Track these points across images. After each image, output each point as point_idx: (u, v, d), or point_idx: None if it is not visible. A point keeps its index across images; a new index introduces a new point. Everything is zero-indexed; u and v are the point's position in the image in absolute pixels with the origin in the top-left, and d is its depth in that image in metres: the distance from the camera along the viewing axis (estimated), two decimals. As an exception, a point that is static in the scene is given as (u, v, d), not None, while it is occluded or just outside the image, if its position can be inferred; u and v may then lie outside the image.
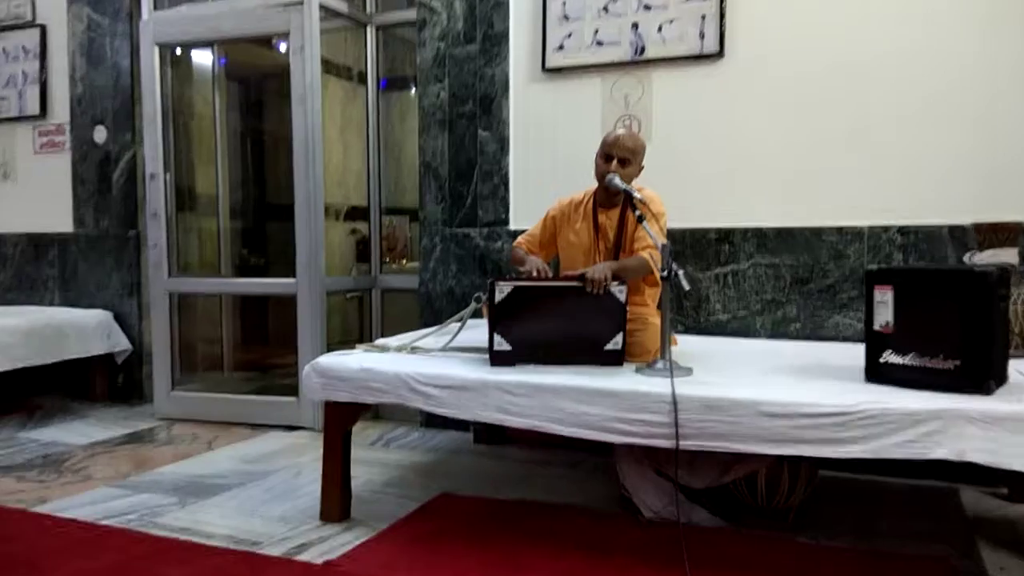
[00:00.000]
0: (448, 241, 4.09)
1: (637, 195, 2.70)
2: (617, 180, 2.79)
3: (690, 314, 3.58)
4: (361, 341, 3.10)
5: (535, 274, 2.75)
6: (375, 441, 3.90)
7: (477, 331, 3.13)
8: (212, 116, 5.08)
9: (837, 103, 3.36)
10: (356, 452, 3.40)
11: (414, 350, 2.90)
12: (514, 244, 3.20)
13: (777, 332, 3.44)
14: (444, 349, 2.87)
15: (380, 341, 3.09)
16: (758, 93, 3.50)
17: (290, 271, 4.22)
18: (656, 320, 2.68)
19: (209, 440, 3.93)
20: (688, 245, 3.59)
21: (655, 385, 2.30)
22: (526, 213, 3.89)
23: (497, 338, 2.57)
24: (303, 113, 4.13)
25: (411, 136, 4.32)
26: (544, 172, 3.91)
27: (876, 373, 2.30)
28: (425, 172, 4.16)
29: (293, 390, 4.16)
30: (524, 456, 3.57)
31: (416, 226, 4.31)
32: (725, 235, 3.55)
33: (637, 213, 2.65)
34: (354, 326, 4.95)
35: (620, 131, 2.98)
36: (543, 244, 3.15)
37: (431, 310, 4.10)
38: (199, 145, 5.08)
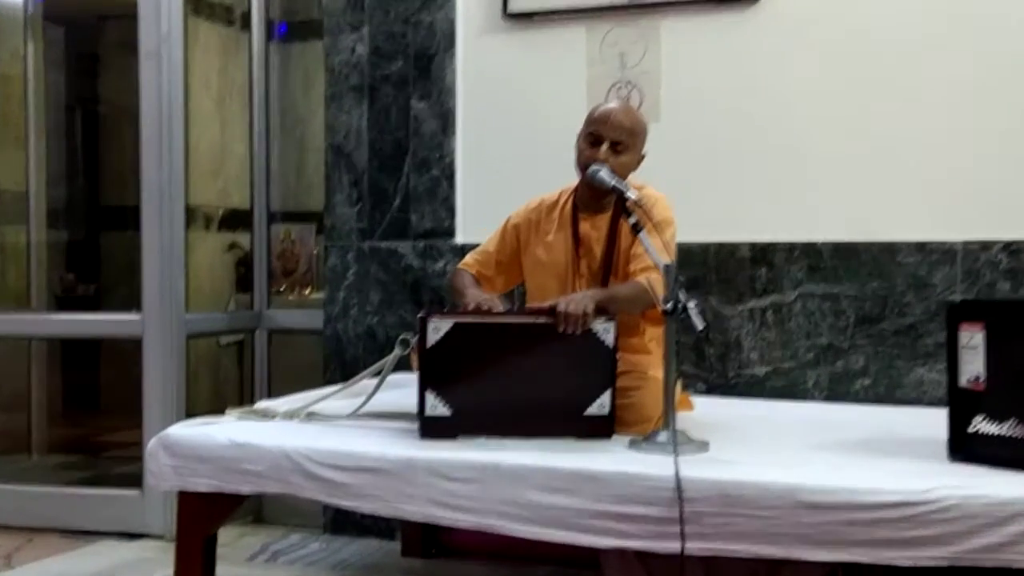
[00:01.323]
0: (367, 260, 4.16)
1: (633, 195, 2.79)
2: (605, 173, 2.87)
3: (713, 366, 3.67)
4: (236, 406, 3.11)
5: (472, 306, 2.82)
6: (256, 554, 3.90)
7: (403, 390, 3.18)
8: (22, 77, 5.11)
9: (929, 68, 3.51)
10: (227, 570, 3.40)
11: (311, 417, 2.93)
12: (459, 266, 3.27)
13: (837, 393, 3.54)
14: (355, 415, 2.91)
15: (263, 404, 3.11)
16: (809, 53, 3.64)
17: (134, 304, 4.25)
18: (659, 374, 2.76)
19: (7, 554, 3.91)
20: (710, 267, 3.70)
21: (655, 465, 2.35)
22: (480, 220, 3.97)
23: (431, 399, 2.62)
24: (157, 74, 4.19)
25: (320, 108, 4.40)
26: (506, 161, 4.01)
27: (962, 447, 2.38)
28: (334, 160, 4.24)
29: (136, 480, 4.14)
30: (475, 574, 3.60)
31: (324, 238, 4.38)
32: (762, 253, 3.66)
33: (633, 220, 2.73)
34: (230, 384, 4.95)
35: (613, 104, 3.07)
36: (501, 266, 3.22)
37: (340, 360, 4.14)
38: (1, 120, 5.11)
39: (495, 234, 3.25)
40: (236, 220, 5.18)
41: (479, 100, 4.05)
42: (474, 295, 2.95)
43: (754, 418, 3.11)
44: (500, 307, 2.83)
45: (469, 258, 3.26)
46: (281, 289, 5.00)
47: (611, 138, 2.93)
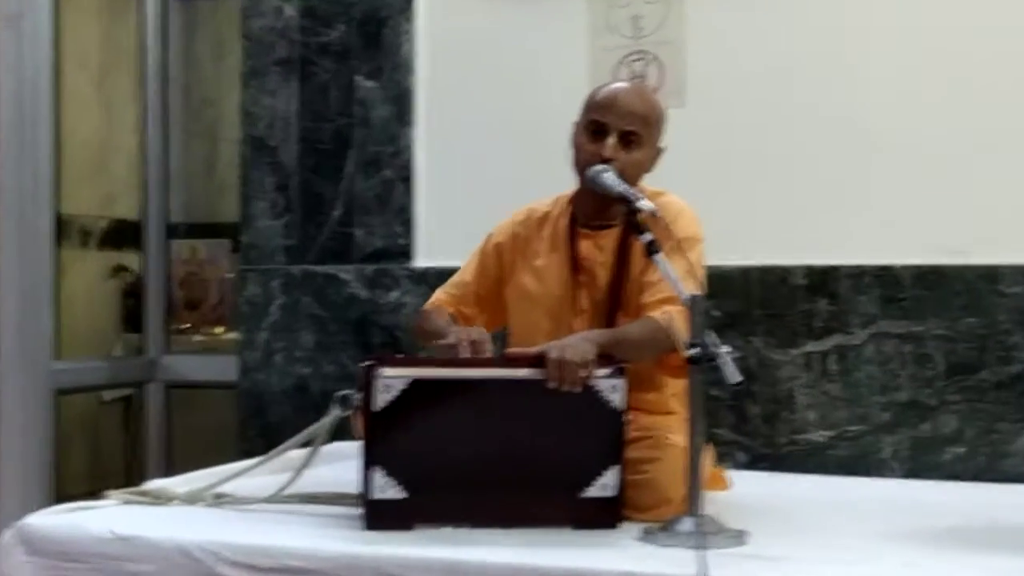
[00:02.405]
0: (297, 289, 4.18)
1: (648, 205, 2.81)
2: (611, 176, 2.90)
3: (757, 430, 3.70)
4: (121, 485, 3.10)
5: (463, 351, 2.82)
6: None
7: (342, 464, 3.18)
8: None
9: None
10: None
11: (221, 500, 2.93)
12: (425, 306, 3.27)
13: (921, 465, 3.56)
14: (279, 498, 2.91)
15: (156, 484, 3.11)
16: (888, 19, 3.68)
17: (-18, 348, 4.25)
18: (683, 440, 2.77)
19: None
20: (753, 299, 3.73)
21: (676, 564, 2.34)
22: (447, 237, 4.01)
23: (379, 477, 2.62)
24: (16, 44, 4.19)
25: (236, 87, 4.43)
26: (481, 159, 4.04)
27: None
28: (253, 156, 4.26)
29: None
30: None
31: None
32: (822, 280, 3.69)
33: (647, 238, 2.75)
34: (113, 456, 4.93)
35: (621, 84, 3.09)
36: (484, 301, 3.22)
37: (260, 424, 4.15)
38: None
39: (472, 258, 3.26)
40: (124, 235, 5.17)
41: (445, 78, 4.09)
42: (459, 330, 2.94)
43: (810, 500, 3.12)
44: (489, 345, 2.85)
45: (441, 293, 3.25)
46: (184, 328, 5.00)
47: (619, 128, 2.95)
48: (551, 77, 3.92)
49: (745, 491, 3.16)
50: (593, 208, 3.05)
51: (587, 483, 2.67)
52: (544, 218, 3.17)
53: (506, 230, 3.21)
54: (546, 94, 3.90)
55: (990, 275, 3.55)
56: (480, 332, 2.88)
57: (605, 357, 2.69)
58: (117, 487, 3.07)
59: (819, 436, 3.65)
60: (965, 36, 3.63)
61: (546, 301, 3.09)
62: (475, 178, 4.03)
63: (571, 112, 3.07)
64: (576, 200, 3.12)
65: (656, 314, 2.85)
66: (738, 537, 2.58)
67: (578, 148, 3.01)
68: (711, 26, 3.83)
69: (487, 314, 3.22)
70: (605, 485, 2.67)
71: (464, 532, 2.62)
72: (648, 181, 3.04)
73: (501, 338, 3.34)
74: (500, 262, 3.20)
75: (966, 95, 3.63)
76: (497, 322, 3.25)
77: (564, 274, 3.08)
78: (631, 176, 2.93)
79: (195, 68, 5.06)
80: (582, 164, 2.98)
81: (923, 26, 3.67)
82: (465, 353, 2.78)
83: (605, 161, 2.92)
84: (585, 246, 3.08)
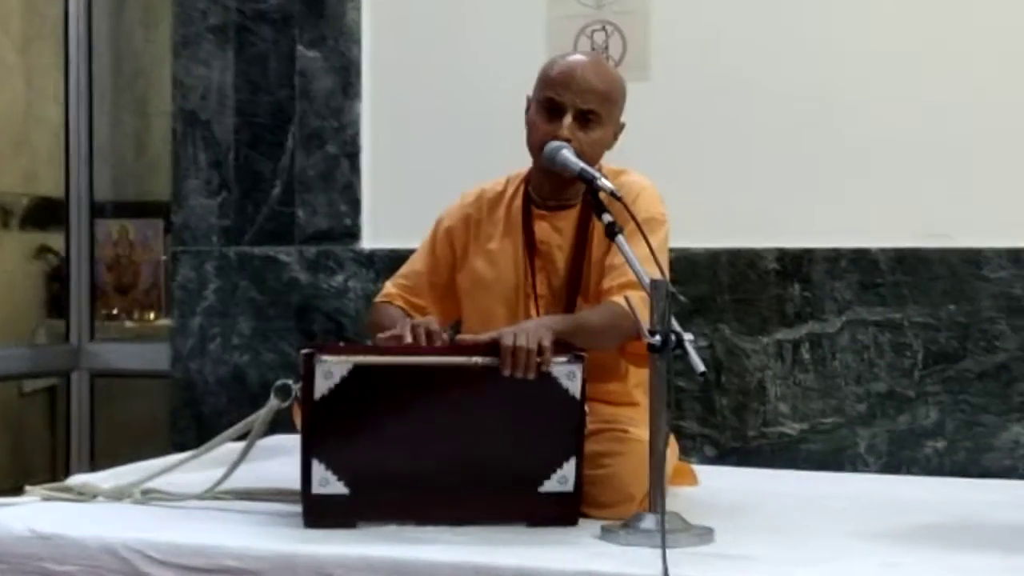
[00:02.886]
0: (233, 272, 4.16)
1: (608, 185, 2.80)
2: (569, 153, 2.89)
3: (726, 422, 3.71)
4: (44, 480, 3.08)
5: (410, 338, 2.80)
6: None
7: (282, 458, 3.17)
8: None
9: None
10: None
11: (149, 496, 2.91)
12: (379, 298, 3.26)
13: (899, 459, 3.59)
14: (212, 494, 2.90)
15: (79, 479, 3.10)
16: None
17: None
18: (646, 434, 2.77)
19: None
20: (722, 284, 3.74)
21: (638, 563, 2.34)
22: (396, 217, 4.01)
23: (319, 471, 2.61)
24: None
25: (167, 58, 4.39)
26: (432, 134, 4.04)
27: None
28: (186, 130, 4.23)
29: None
30: None
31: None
32: (795, 264, 3.70)
33: (608, 219, 2.75)
34: (34, 449, 4.90)
35: (577, 56, 3.07)
36: (437, 290, 3.20)
37: (194, 415, 4.14)
38: None
39: (422, 246, 3.25)
40: (47, 214, 5.14)
41: (393, 48, 4.08)
42: (408, 322, 2.92)
43: (782, 495, 3.14)
44: (442, 334, 2.84)
45: (391, 285, 3.25)
46: (113, 313, 4.97)
47: (576, 106, 2.94)
48: (506, 47, 3.92)
49: (712, 486, 3.17)
50: (550, 188, 3.04)
51: (544, 477, 2.67)
52: (497, 199, 3.17)
53: (456, 213, 3.21)
54: (501, 66, 3.90)
55: (973, 259, 3.57)
56: (430, 322, 2.87)
57: (563, 344, 2.68)
58: (39, 483, 3.04)
59: (791, 429, 3.67)
60: (948, 7, 3.65)
61: (500, 287, 3.09)
62: (425, 154, 4.02)
63: (527, 85, 3.07)
64: (531, 179, 3.11)
65: (618, 298, 2.85)
66: (704, 535, 2.58)
67: (532, 127, 3.00)
68: (677, -6, 3.84)
69: (441, 304, 3.21)
70: (563, 478, 2.67)
71: (411, 530, 2.62)
72: (609, 159, 3.04)
73: (455, 329, 3.34)
74: (452, 247, 3.19)
75: (949, 68, 3.65)
76: (453, 313, 3.25)
77: (519, 258, 3.08)
78: (590, 156, 2.92)
79: (124, 36, 5.02)
80: (536, 144, 2.97)
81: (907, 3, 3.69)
82: (409, 338, 2.76)
83: (565, 140, 2.91)
84: (541, 228, 3.07)
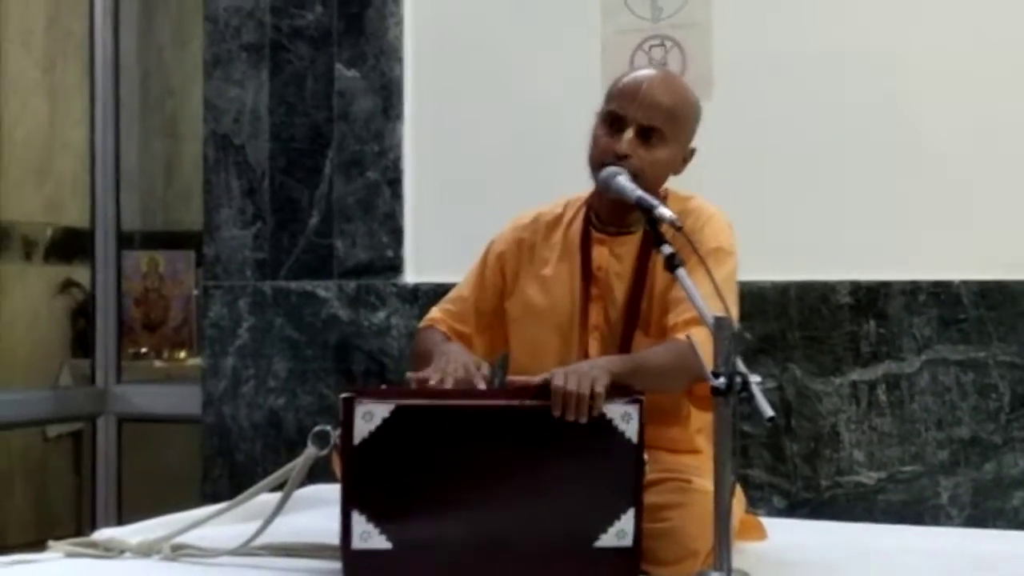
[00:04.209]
0: (268, 309, 4.18)
1: (667, 213, 2.79)
2: (623, 179, 2.89)
3: (798, 470, 3.69)
4: (68, 533, 3.10)
5: (449, 381, 2.80)
6: None
7: (320, 510, 3.17)
8: None
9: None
10: None
11: (179, 552, 2.92)
12: (422, 323, 3.26)
13: (984, 512, 3.55)
14: (246, 549, 2.90)
15: (106, 533, 3.10)
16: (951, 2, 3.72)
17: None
18: (711, 483, 2.76)
19: None
20: (791, 320, 3.72)
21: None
22: (442, 248, 4.02)
23: (360, 524, 2.60)
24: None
25: (198, 78, 4.43)
26: (480, 160, 4.05)
27: None
28: (218, 156, 4.26)
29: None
30: None
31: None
32: (871, 298, 3.68)
33: (667, 251, 2.74)
34: (59, 499, 4.91)
35: (648, 71, 3.07)
36: (484, 318, 3.20)
37: (227, 463, 4.15)
38: None
39: (473, 270, 3.25)
40: (72, 246, 5.18)
41: (437, 66, 4.11)
42: (451, 352, 2.91)
43: (857, 551, 3.11)
44: (486, 372, 2.84)
45: (437, 311, 3.25)
46: (141, 351, 5.00)
47: (639, 122, 2.93)
48: (558, 65, 3.93)
49: (783, 541, 3.14)
50: (610, 211, 3.04)
51: (600, 531, 2.66)
52: (555, 222, 3.16)
53: (509, 237, 3.20)
54: (553, 84, 3.91)
55: (1063, 292, 3.55)
56: (469, 366, 2.85)
57: (620, 388, 2.67)
58: (63, 535, 3.06)
59: (867, 478, 3.64)
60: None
61: (553, 316, 3.08)
62: (472, 180, 4.04)
63: (580, 105, 3.07)
64: (592, 201, 3.11)
65: (682, 336, 2.84)
66: (775, 596, 2.58)
67: (593, 141, 2.99)
68: (741, 6, 3.85)
69: (487, 334, 3.21)
70: (621, 532, 2.66)
71: (459, 590, 2.62)
72: (673, 184, 3.03)
73: (503, 363, 3.34)
74: (502, 274, 3.19)
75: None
76: (499, 344, 3.24)
77: (575, 285, 3.07)
78: (651, 177, 2.91)
79: (154, 54, 5.07)
80: (595, 159, 2.97)
81: (986, 16, 3.68)
82: (450, 381, 2.77)
83: (620, 157, 2.91)
84: (600, 253, 3.06)
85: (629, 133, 2.93)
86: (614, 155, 2.91)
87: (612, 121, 2.96)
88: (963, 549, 3.16)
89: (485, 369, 2.86)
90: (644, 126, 2.93)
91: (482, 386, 2.80)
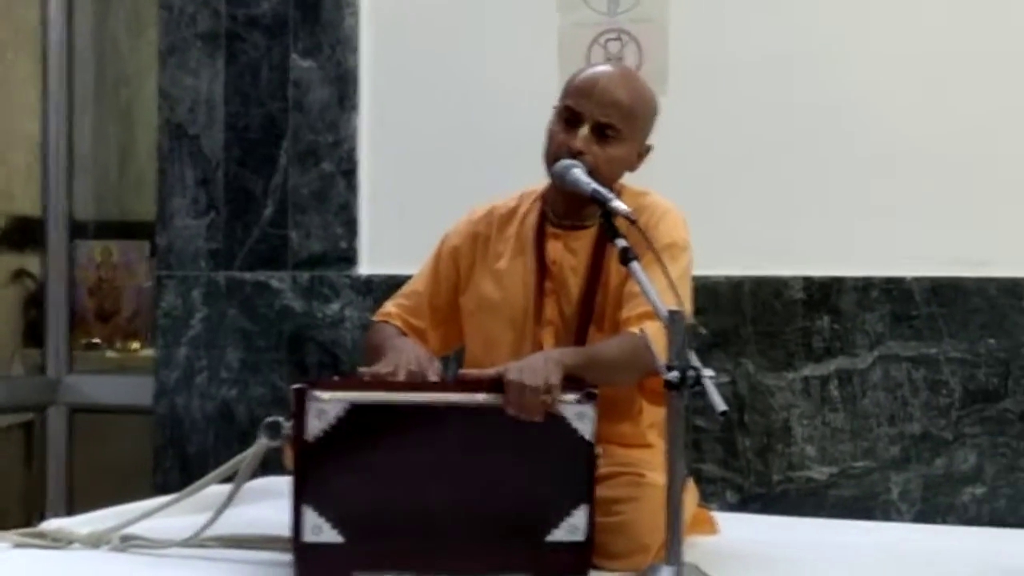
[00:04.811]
0: (222, 300, 4.16)
1: (622, 207, 2.77)
2: (579, 172, 2.88)
3: (750, 465, 3.69)
4: (17, 524, 3.06)
5: (402, 374, 2.80)
6: None
7: (271, 502, 3.16)
8: None
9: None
10: None
11: (129, 543, 2.90)
12: (376, 317, 3.25)
13: (934, 507, 3.57)
14: (196, 541, 2.88)
15: (54, 524, 3.09)
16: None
17: None
18: (663, 478, 2.75)
19: None
20: (745, 315, 3.73)
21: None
22: (397, 240, 4.01)
23: (311, 518, 2.60)
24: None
25: (154, 67, 4.39)
26: (437, 151, 4.03)
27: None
28: (172, 145, 4.24)
29: None
30: None
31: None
32: (823, 293, 3.69)
33: (621, 244, 2.73)
34: (8, 491, 4.86)
35: (605, 67, 3.08)
36: (438, 313, 3.20)
37: (178, 454, 4.12)
38: None
39: (427, 264, 3.23)
40: (24, 235, 5.13)
41: (394, 56, 4.09)
42: (403, 347, 2.91)
43: (808, 545, 3.12)
44: (436, 367, 2.84)
45: (391, 305, 3.24)
46: (93, 342, 4.96)
47: (595, 118, 2.93)
48: (515, 57, 3.93)
49: (734, 536, 3.15)
50: (565, 205, 3.03)
51: (553, 525, 2.65)
52: (509, 216, 3.15)
53: (463, 230, 3.19)
54: (510, 76, 3.91)
55: (1014, 289, 3.57)
56: (422, 360, 2.86)
57: (574, 380, 2.67)
58: (12, 527, 3.03)
59: (819, 473, 3.65)
60: (985, 20, 3.65)
61: (507, 310, 3.07)
62: (428, 172, 4.02)
63: (537, 98, 3.08)
64: (546, 198, 3.10)
65: (635, 330, 2.84)
66: (726, 590, 2.57)
67: (549, 136, 2.99)
68: (697, 2, 3.85)
69: (441, 328, 3.21)
70: (574, 527, 2.65)
71: (409, 582, 2.60)
72: (628, 179, 3.02)
73: (457, 356, 3.32)
74: (456, 268, 3.18)
75: (988, 84, 3.65)
76: (454, 338, 3.25)
77: (529, 279, 3.06)
78: (606, 174, 2.91)
79: (108, 42, 5.03)
80: (550, 155, 2.97)
81: (943, 13, 3.70)
82: (402, 374, 2.77)
83: (575, 154, 2.90)
84: (555, 248, 3.06)
85: (584, 130, 2.93)
86: (569, 152, 2.91)
87: (568, 117, 2.96)
88: (913, 544, 3.18)
89: (436, 364, 2.86)
90: (600, 123, 2.93)
91: (434, 379, 2.79)
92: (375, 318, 3.24)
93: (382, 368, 2.81)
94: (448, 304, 3.19)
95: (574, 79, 3.01)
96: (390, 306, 3.23)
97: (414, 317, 3.18)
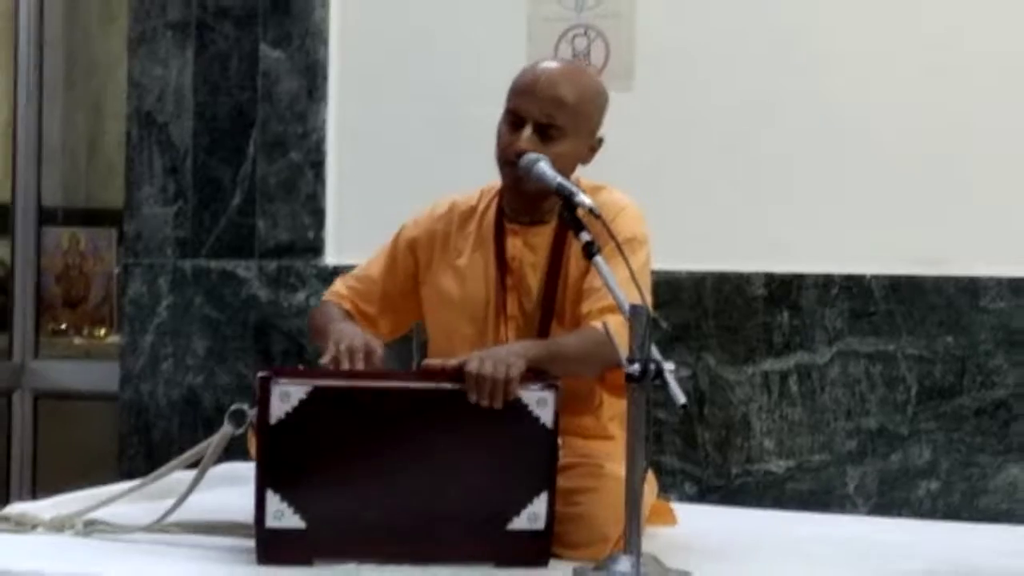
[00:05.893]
0: (188, 287, 4.15)
1: (587, 201, 2.80)
2: (545, 166, 2.86)
3: (709, 457, 3.71)
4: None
5: (346, 360, 2.78)
6: None
7: (235, 488, 3.16)
8: None
9: None
10: None
11: (92, 528, 2.89)
12: (325, 296, 3.25)
13: (890, 500, 3.59)
14: (159, 526, 2.88)
15: (18, 508, 3.07)
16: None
17: None
18: (623, 469, 2.77)
19: None
20: (706, 310, 3.74)
21: (611, 609, 2.37)
22: (363, 230, 3.95)
23: (274, 503, 2.59)
24: None
25: (123, 53, 4.38)
26: (403, 142, 4.04)
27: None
28: (140, 134, 4.23)
29: None
30: None
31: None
32: (784, 290, 3.72)
33: (585, 238, 2.75)
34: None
35: (546, 64, 3.07)
36: (389, 300, 3.20)
37: (144, 440, 4.12)
38: None
39: (381, 251, 3.23)
40: (-7, 221, 5.12)
41: (363, 50, 4.09)
42: (344, 331, 2.91)
43: (765, 537, 3.14)
44: (379, 352, 2.81)
45: (340, 284, 3.23)
46: (60, 328, 4.95)
47: (536, 118, 2.93)
48: (484, 51, 3.93)
49: (692, 527, 3.16)
50: (521, 202, 3.03)
51: (513, 513, 2.66)
52: (469, 212, 3.15)
53: (423, 224, 3.19)
54: (478, 70, 3.90)
55: (971, 288, 3.59)
56: (365, 342, 2.83)
57: (536, 373, 2.68)
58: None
59: (777, 466, 3.68)
60: (947, 24, 3.67)
61: (468, 306, 3.08)
62: (395, 164, 4.03)
63: (505, 92, 3.06)
64: (503, 195, 3.11)
65: (596, 324, 2.85)
66: (683, 580, 2.59)
67: (497, 138, 3.00)
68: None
69: (391, 316, 3.21)
70: (534, 515, 2.66)
71: (371, 569, 2.60)
72: (586, 174, 3.03)
73: (419, 348, 3.33)
74: (414, 260, 3.17)
75: (949, 89, 3.67)
76: (402, 326, 3.27)
77: (490, 276, 3.06)
78: (558, 171, 2.88)
79: (79, 29, 5.01)
80: (498, 157, 2.99)
81: (906, 10, 3.71)
82: (345, 361, 2.75)
83: (519, 155, 2.90)
84: (514, 244, 3.06)
85: (527, 131, 2.92)
86: (515, 153, 2.91)
87: (512, 120, 2.96)
88: (868, 538, 3.20)
89: (380, 350, 2.83)
90: (541, 123, 2.93)
91: (378, 364, 2.78)
92: (325, 297, 3.24)
93: (333, 350, 2.78)
94: (400, 293, 3.19)
95: (517, 79, 3.02)
96: (341, 287, 3.21)
97: (364, 302, 3.18)
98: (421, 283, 3.17)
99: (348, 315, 3.13)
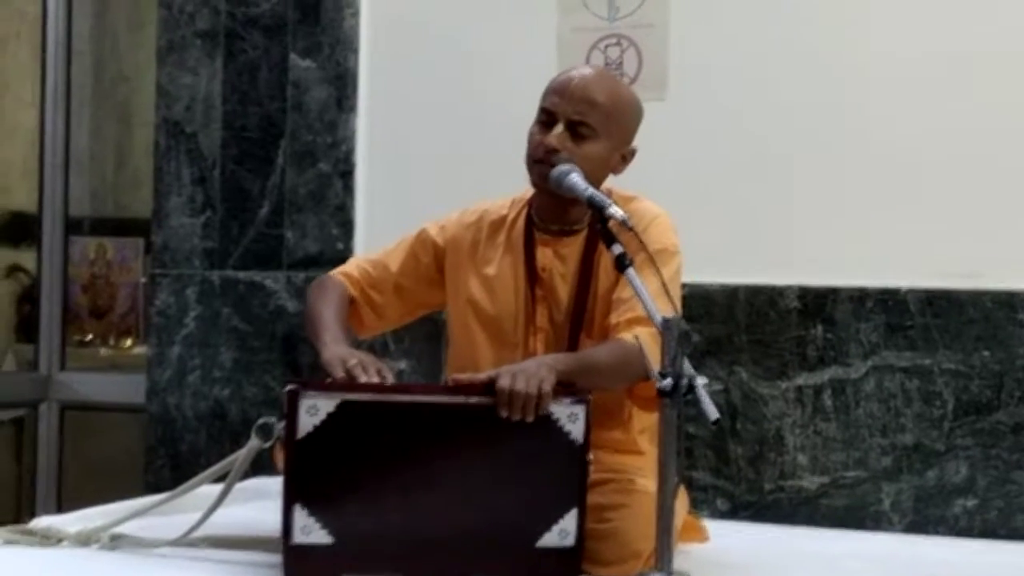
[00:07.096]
0: (216, 299, 4.16)
1: (618, 212, 2.79)
2: (576, 177, 2.86)
3: (742, 473, 3.70)
4: (6, 522, 3.06)
5: (362, 373, 2.70)
6: None
7: (261, 503, 3.16)
8: None
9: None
10: None
11: (118, 542, 2.90)
12: (335, 271, 3.20)
13: (926, 518, 3.57)
14: (185, 541, 2.88)
15: (44, 521, 3.08)
16: (904, 8, 3.72)
17: None
18: (654, 485, 2.75)
19: None
20: (739, 323, 3.73)
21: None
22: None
23: (301, 518, 2.59)
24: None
25: (152, 62, 4.40)
26: (434, 153, 4.04)
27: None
28: (169, 143, 4.23)
29: None
30: None
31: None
32: (818, 303, 3.70)
33: (618, 250, 2.74)
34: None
35: (581, 68, 3.07)
36: (402, 292, 3.19)
37: (170, 453, 4.12)
38: None
39: (402, 244, 3.20)
40: (19, 230, 5.14)
41: (394, 59, 4.10)
42: (352, 354, 2.87)
43: (798, 555, 3.13)
44: (389, 375, 2.78)
45: (353, 265, 3.22)
46: (86, 339, 4.96)
47: (567, 115, 2.94)
48: (514, 60, 3.93)
49: (724, 544, 3.15)
50: (552, 210, 3.04)
51: (543, 530, 2.66)
52: (499, 222, 3.15)
53: (452, 229, 3.18)
54: (508, 80, 3.90)
55: (1008, 301, 3.57)
56: (373, 360, 2.80)
57: (566, 386, 2.67)
58: (1, 523, 3.03)
59: (810, 482, 3.66)
60: (981, 35, 3.66)
61: (498, 317, 3.08)
62: (425, 174, 4.03)
63: (535, 101, 3.06)
64: (533, 204, 3.10)
65: (627, 335, 2.84)
66: (716, 600, 2.58)
67: (528, 139, 3.00)
68: (699, 8, 3.85)
69: (399, 305, 3.21)
70: (564, 532, 2.65)
71: (399, 586, 2.61)
72: (618, 184, 3.03)
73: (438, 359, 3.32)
74: (438, 265, 3.17)
75: (985, 100, 3.65)
76: (408, 315, 3.27)
77: (520, 286, 3.06)
78: (587, 174, 2.88)
79: (107, 38, 5.03)
80: (528, 156, 2.99)
81: (944, 23, 3.69)
82: (363, 378, 2.72)
83: (550, 151, 2.91)
84: (544, 254, 3.06)
85: (559, 128, 2.94)
86: (545, 150, 2.92)
87: (544, 119, 2.97)
88: (903, 555, 3.20)
89: (389, 376, 2.79)
90: (573, 121, 2.94)
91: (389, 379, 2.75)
92: (333, 272, 3.19)
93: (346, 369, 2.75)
94: (414, 287, 3.19)
95: (551, 82, 3.03)
96: (352, 268, 3.20)
97: (374, 290, 3.16)
98: (450, 294, 3.16)
99: (349, 302, 3.11)
